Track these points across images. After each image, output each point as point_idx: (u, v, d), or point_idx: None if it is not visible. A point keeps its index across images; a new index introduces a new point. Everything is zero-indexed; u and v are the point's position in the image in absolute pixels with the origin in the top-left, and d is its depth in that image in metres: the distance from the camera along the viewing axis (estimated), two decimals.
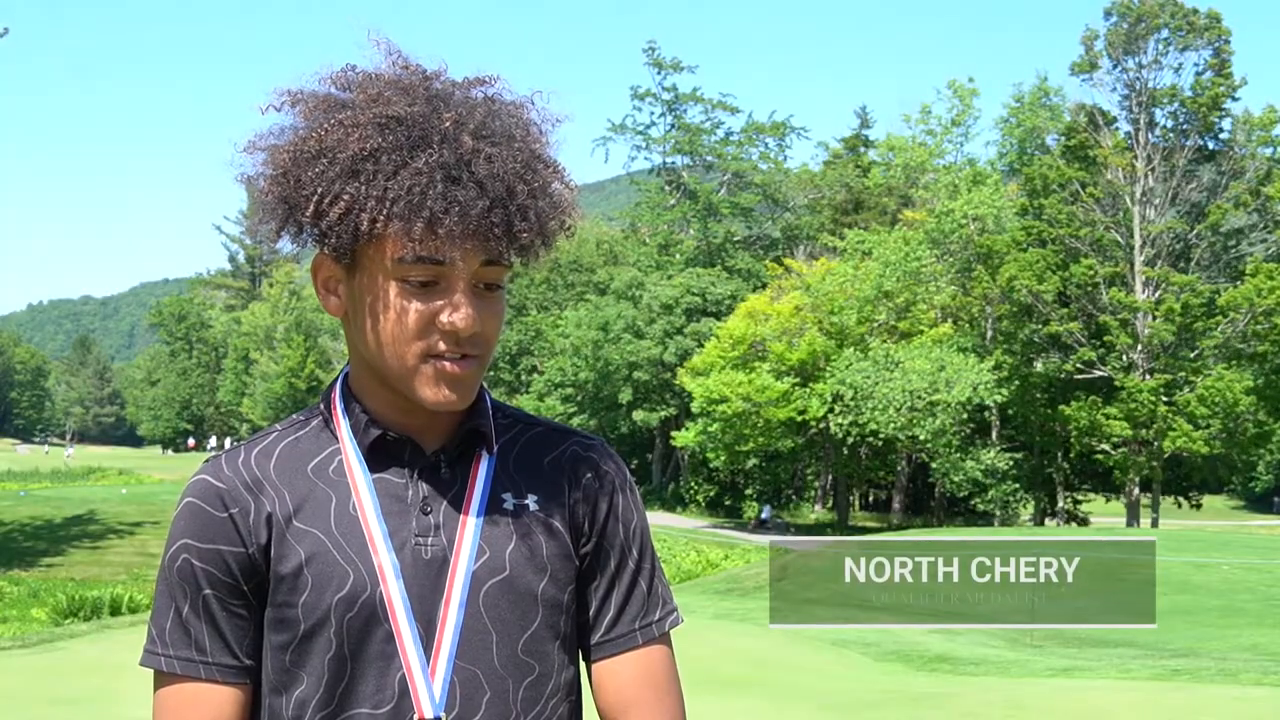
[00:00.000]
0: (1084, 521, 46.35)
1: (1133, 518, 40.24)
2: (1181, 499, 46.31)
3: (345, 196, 1.25)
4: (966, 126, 45.16)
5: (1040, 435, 42.38)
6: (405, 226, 1.23)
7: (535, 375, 53.42)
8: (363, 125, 1.25)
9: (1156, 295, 38.98)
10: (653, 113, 56.63)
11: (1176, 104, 40.79)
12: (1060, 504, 44.09)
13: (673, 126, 55.87)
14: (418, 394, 1.32)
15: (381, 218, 1.23)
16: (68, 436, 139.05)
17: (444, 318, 1.28)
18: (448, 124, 1.26)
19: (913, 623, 15.52)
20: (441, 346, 1.30)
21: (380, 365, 1.33)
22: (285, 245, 1.35)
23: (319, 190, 1.26)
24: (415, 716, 1.32)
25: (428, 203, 1.22)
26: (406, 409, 1.36)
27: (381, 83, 1.30)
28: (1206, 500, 47.76)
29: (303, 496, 1.37)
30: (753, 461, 45.44)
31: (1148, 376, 38.70)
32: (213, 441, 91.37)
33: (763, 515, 45.90)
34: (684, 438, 45.16)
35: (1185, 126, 40.98)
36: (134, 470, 60.12)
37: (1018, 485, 41.31)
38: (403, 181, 1.23)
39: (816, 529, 43.26)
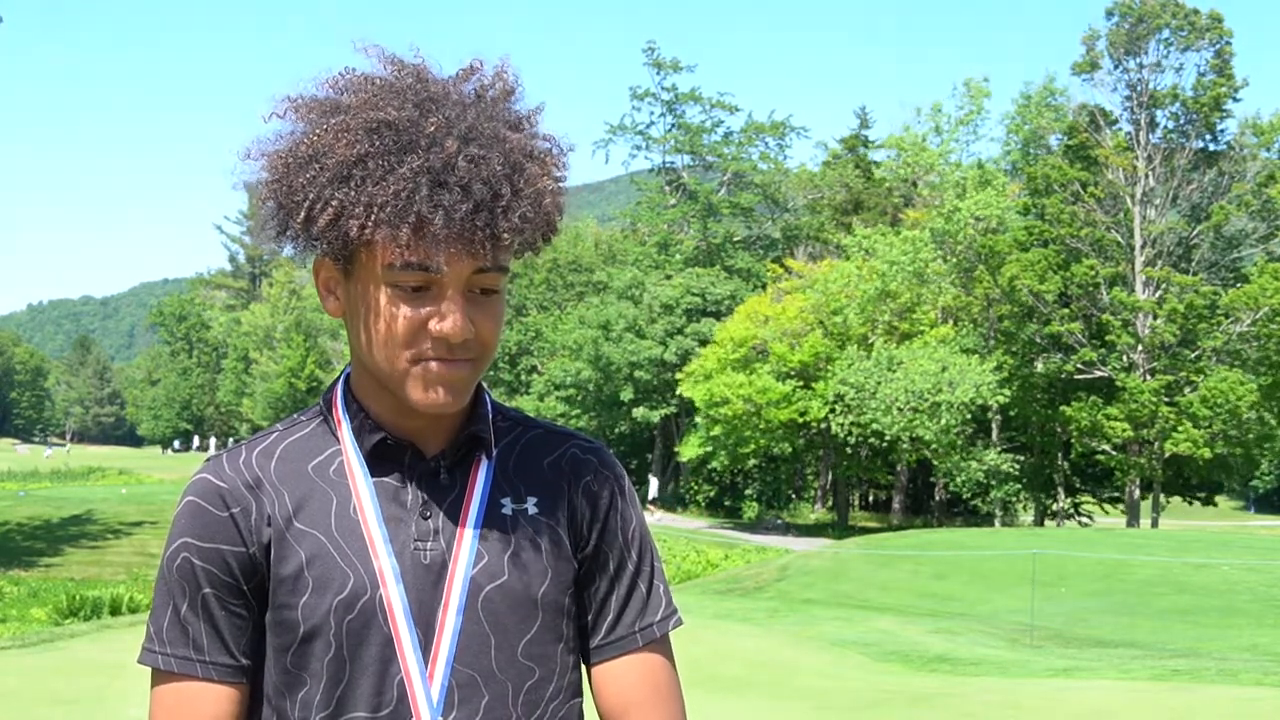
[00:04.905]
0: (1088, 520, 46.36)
1: (1133, 518, 40.23)
2: (1192, 499, 46.20)
3: (334, 202, 1.25)
4: (974, 126, 45.10)
5: (1041, 436, 42.35)
6: (392, 232, 1.23)
7: (535, 375, 53.41)
8: (353, 130, 1.25)
9: (1158, 295, 38.95)
10: (652, 112, 56.71)
11: (1178, 104, 40.77)
12: (1060, 505, 44.08)
13: (673, 126, 55.88)
14: (408, 397, 1.32)
15: (370, 224, 1.23)
16: (67, 436, 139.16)
17: (434, 325, 1.28)
18: (433, 128, 1.25)
19: (913, 623, 15.54)
20: (432, 353, 1.29)
21: (374, 369, 1.34)
22: (288, 249, 1.35)
23: (309, 196, 1.26)
24: None
25: (413, 208, 1.22)
26: (406, 412, 1.37)
27: (375, 85, 1.30)
28: (1206, 501, 47.70)
29: (303, 497, 1.37)
30: (752, 462, 45.46)
31: (1149, 377, 38.67)
32: (196, 442, 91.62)
33: (650, 496, 46.51)
34: (688, 449, 45.24)
35: (1186, 127, 40.96)
36: (134, 470, 60.12)
37: (1019, 486, 41.30)
38: (389, 187, 1.23)
39: (816, 529, 43.23)
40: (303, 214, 1.27)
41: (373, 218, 1.23)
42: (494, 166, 1.25)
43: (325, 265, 1.36)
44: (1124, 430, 37.43)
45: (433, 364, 1.30)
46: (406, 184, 1.23)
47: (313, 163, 1.26)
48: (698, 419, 43.78)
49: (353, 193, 1.24)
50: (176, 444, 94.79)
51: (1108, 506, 46.85)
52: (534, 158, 1.30)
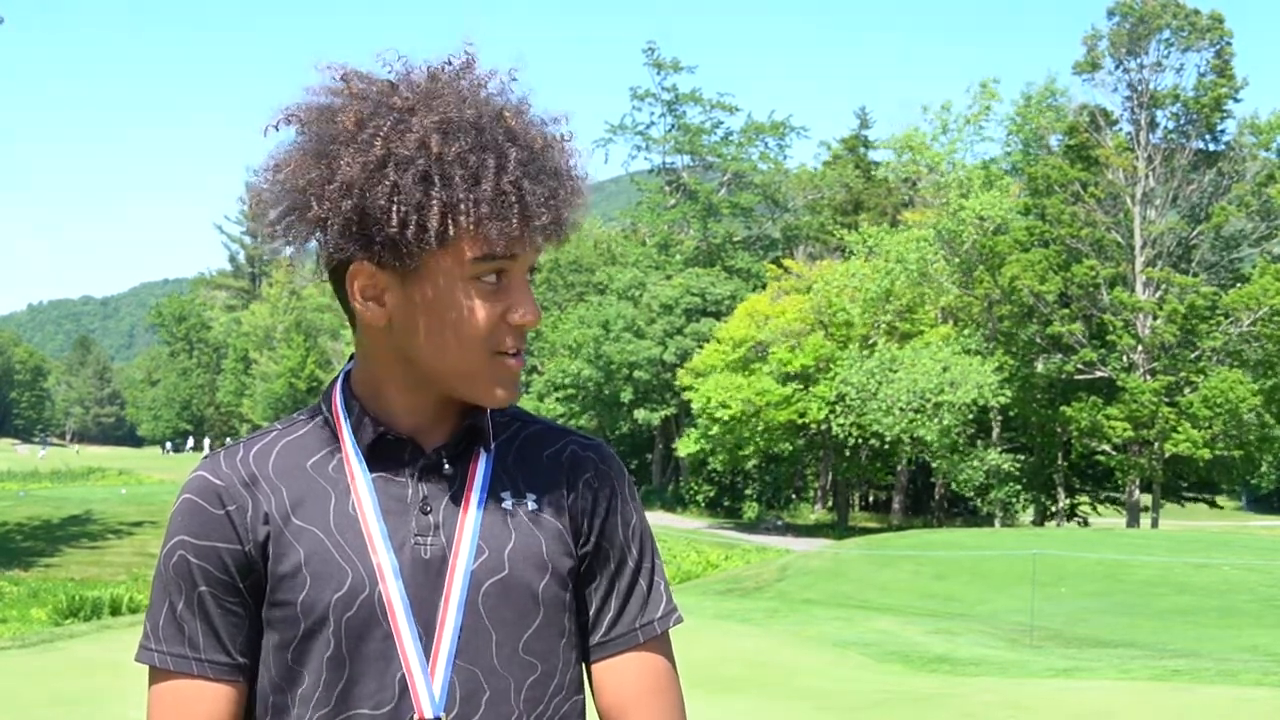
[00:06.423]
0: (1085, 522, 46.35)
1: (1133, 519, 40.22)
2: (1193, 500, 46.14)
3: (435, 203, 1.25)
4: (978, 126, 45.07)
5: (1041, 436, 42.35)
6: (501, 226, 1.27)
7: (535, 375, 53.42)
8: (428, 129, 1.26)
9: (1158, 296, 38.94)
10: (652, 113, 56.75)
11: (1178, 105, 40.78)
12: (1060, 505, 44.06)
13: (673, 126, 55.91)
14: (483, 394, 1.35)
15: (472, 221, 1.26)
16: (67, 436, 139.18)
17: (515, 315, 1.32)
18: (512, 122, 1.29)
19: (913, 623, 15.54)
20: (509, 342, 1.33)
21: (441, 368, 1.33)
22: (312, 254, 1.35)
23: (396, 200, 1.25)
24: (415, 717, 1.31)
25: (516, 199, 1.27)
26: (414, 409, 1.37)
27: (422, 88, 1.30)
28: (1210, 504, 47.67)
29: (301, 494, 1.36)
30: (752, 462, 45.48)
31: (1149, 377, 38.66)
32: (191, 443, 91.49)
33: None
34: (686, 446, 45.21)
35: (1186, 127, 40.97)
36: (134, 470, 60.14)
37: (1019, 486, 41.28)
38: (492, 182, 1.26)
39: (816, 530, 43.22)
40: (395, 219, 1.25)
41: (477, 213, 1.26)
42: (559, 153, 1.32)
43: (365, 271, 1.32)
44: (1124, 430, 37.43)
45: (510, 360, 1.34)
46: (508, 177, 1.26)
47: (386, 166, 1.25)
48: (697, 419, 43.78)
49: (445, 192, 1.25)
50: (169, 445, 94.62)
51: (1104, 507, 46.83)
52: (571, 144, 1.37)
